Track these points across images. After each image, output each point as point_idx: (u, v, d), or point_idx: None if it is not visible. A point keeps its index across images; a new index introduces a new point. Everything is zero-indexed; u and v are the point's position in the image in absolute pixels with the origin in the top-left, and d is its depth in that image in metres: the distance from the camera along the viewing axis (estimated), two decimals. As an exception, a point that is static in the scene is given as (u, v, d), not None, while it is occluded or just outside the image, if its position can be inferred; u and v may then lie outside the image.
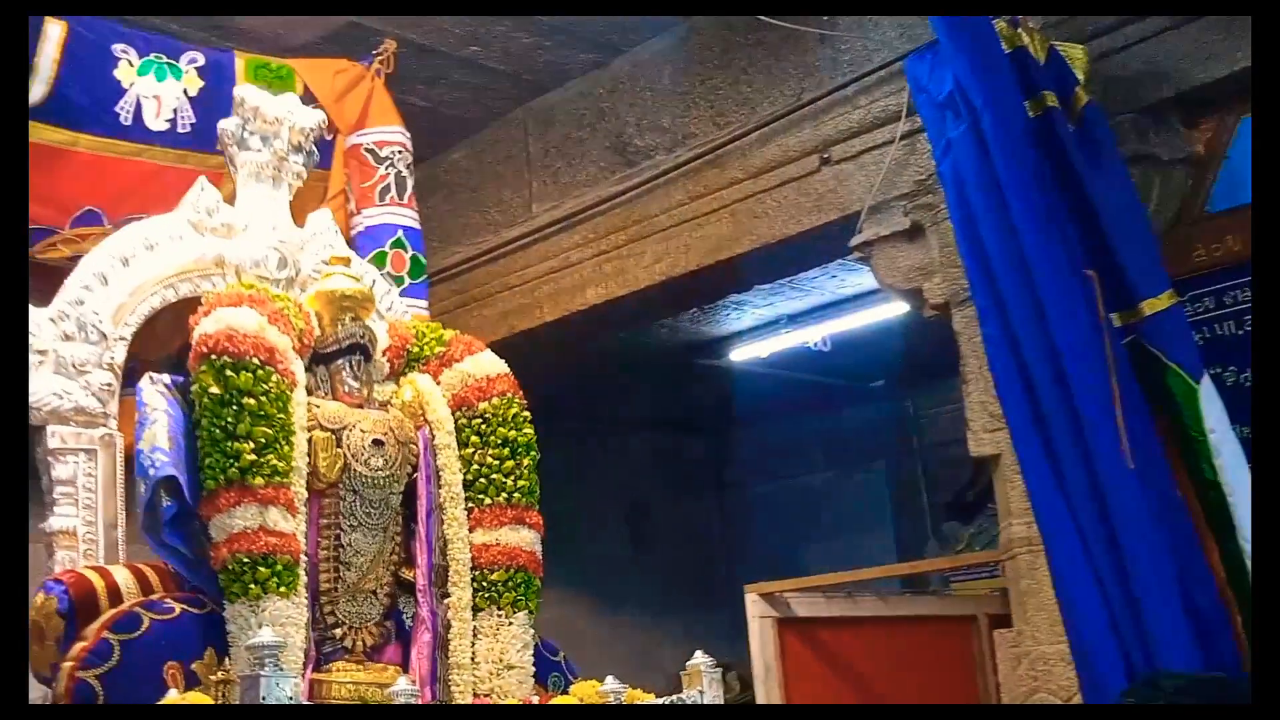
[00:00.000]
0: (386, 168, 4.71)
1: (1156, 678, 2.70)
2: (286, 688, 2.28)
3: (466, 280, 5.46)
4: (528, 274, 5.26)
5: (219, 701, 2.48)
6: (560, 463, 6.92)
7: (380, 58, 4.72)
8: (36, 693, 2.70)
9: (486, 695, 2.86)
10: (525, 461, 3.12)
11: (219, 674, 2.56)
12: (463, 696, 2.85)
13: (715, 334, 6.41)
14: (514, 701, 2.82)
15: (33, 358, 2.97)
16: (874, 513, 7.56)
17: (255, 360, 2.77)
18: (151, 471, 2.74)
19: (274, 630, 2.51)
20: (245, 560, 2.66)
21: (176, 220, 3.30)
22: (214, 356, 2.76)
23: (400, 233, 4.71)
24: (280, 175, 3.42)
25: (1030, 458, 3.21)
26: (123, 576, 2.87)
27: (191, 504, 2.76)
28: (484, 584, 2.98)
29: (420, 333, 3.26)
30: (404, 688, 2.41)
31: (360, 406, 3.06)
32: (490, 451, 3.07)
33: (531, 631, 3.04)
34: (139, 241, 3.22)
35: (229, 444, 2.69)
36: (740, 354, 6.59)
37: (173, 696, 2.47)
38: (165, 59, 4.29)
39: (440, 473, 3.04)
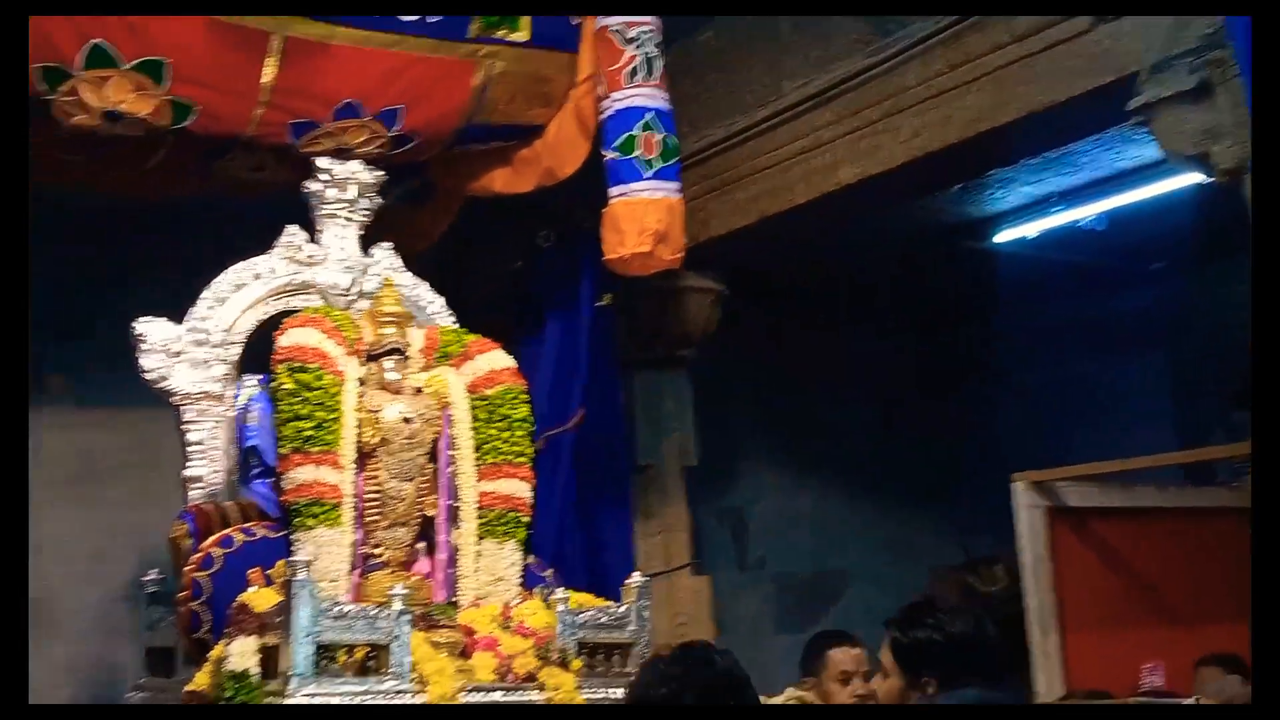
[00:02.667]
0: (635, 48, 4.63)
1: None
2: (310, 588, 3.42)
3: (716, 164, 5.35)
4: (779, 155, 5.11)
5: (281, 594, 3.50)
6: (814, 351, 6.90)
7: (627, -63, 4.62)
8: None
9: (484, 598, 3.97)
10: (519, 432, 4.17)
11: (284, 577, 3.54)
12: (466, 598, 3.97)
13: (979, 214, 6.11)
14: (497, 605, 3.91)
15: (171, 359, 4.21)
16: (1153, 402, 7.11)
17: (315, 365, 3.91)
18: (245, 443, 4.09)
19: (320, 549, 3.73)
20: (304, 502, 3.79)
21: (274, 256, 4.48)
22: (287, 362, 3.89)
23: (650, 115, 4.62)
24: (352, 217, 4.60)
25: (1335, 334, 2.91)
26: (229, 510, 4.10)
27: (272, 464, 3.94)
28: (485, 520, 4.05)
29: (447, 336, 4.37)
30: (399, 590, 3.53)
31: (399, 393, 4.11)
32: (494, 425, 4.15)
33: (519, 554, 4.09)
34: (248, 273, 4.43)
35: (296, 423, 3.84)
36: (1006, 235, 6.27)
37: (251, 592, 3.64)
38: (415, -53, 4.32)
39: (455, 440, 4.12)
